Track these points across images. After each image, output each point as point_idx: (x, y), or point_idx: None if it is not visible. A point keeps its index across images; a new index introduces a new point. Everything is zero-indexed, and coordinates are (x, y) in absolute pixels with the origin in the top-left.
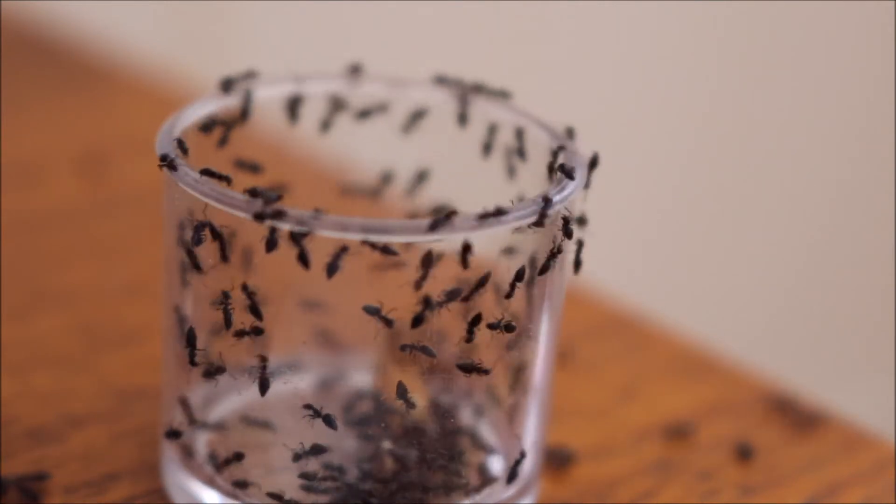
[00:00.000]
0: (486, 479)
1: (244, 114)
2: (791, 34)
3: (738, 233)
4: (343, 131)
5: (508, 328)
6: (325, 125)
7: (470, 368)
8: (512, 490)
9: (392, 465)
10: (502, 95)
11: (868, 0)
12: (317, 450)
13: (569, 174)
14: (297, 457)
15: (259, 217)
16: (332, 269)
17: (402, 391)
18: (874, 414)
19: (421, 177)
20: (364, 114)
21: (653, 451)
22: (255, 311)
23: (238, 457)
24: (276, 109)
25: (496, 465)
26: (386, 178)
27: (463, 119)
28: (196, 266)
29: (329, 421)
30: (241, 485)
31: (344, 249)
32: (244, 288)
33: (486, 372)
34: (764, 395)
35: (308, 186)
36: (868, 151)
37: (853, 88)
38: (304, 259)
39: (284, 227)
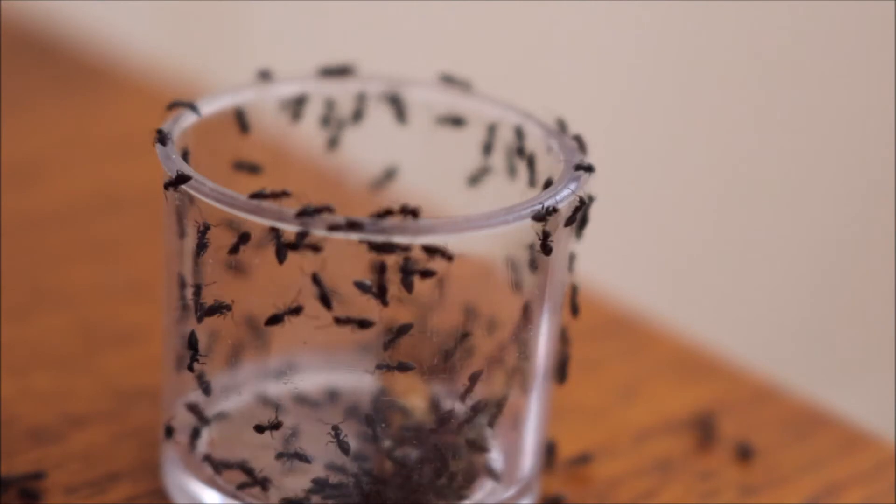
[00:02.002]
0: (487, 480)
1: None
2: (796, 31)
3: (738, 233)
4: (343, 132)
5: (425, 274)
6: (325, 121)
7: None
8: (512, 490)
9: (392, 466)
10: (465, 86)
11: (868, 0)
12: (299, 456)
13: (588, 168)
14: (278, 455)
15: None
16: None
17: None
18: (874, 414)
19: (389, 174)
20: (357, 115)
21: (653, 451)
22: (325, 300)
23: (245, 470)
24: (274, 110)
25: (496, 465)
26: (389, 174)
27: (459, 121)
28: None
29: (344, 446)
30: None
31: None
32: (314, 278)
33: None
34: (764, 396)
35: (307, 186)
36: (866, 149)
37: (853, 90)
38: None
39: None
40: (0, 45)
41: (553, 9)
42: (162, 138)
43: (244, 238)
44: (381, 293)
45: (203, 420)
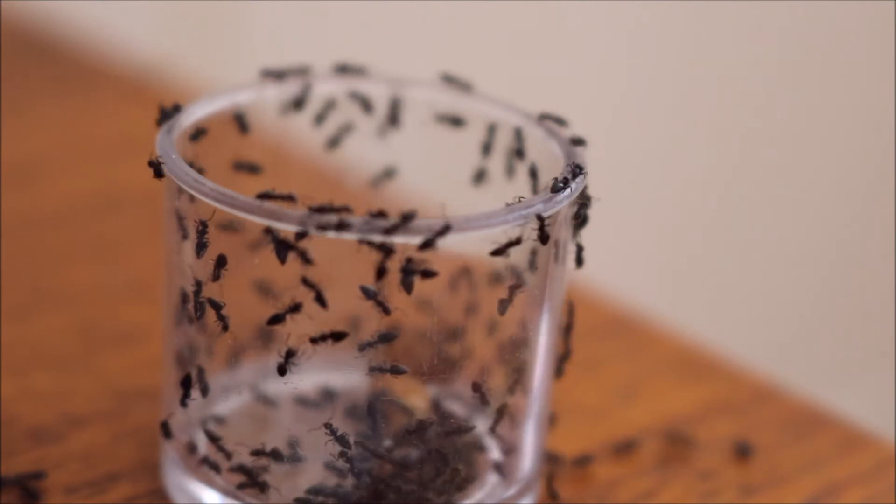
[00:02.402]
0: (488, 478)
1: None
2: (796, 31)
3: (738, 233)
4: (346, 129)
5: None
6: (319, 119)
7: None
8: (512, 490)
9: (392, 466)
10: (466, 86)
11: (868, 0)
12: (276, 455)
13: (580, 168)
14: (255, 452)
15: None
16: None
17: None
18: (874, 414)
19: (388, 172)
20: (366, 106)
21: (653, 451)
22: (320, 299)
23: (245, 470)
24: (274, 110)
25: (496, 465)
26: (388, 173)
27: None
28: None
29: (343, 441)
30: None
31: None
32: (304, 280)
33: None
34: (764, 396)
35: (307, 186)
36: (866, 149)
37: (853, 90)
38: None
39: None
40: (0, 45)
41: (553, 9)
42: (165, 116)
43: (221, 262)
44: (378, 275)
45: (225, 453)
